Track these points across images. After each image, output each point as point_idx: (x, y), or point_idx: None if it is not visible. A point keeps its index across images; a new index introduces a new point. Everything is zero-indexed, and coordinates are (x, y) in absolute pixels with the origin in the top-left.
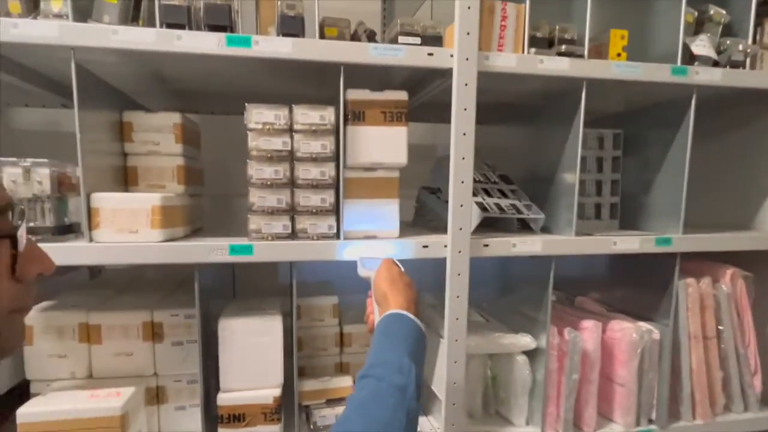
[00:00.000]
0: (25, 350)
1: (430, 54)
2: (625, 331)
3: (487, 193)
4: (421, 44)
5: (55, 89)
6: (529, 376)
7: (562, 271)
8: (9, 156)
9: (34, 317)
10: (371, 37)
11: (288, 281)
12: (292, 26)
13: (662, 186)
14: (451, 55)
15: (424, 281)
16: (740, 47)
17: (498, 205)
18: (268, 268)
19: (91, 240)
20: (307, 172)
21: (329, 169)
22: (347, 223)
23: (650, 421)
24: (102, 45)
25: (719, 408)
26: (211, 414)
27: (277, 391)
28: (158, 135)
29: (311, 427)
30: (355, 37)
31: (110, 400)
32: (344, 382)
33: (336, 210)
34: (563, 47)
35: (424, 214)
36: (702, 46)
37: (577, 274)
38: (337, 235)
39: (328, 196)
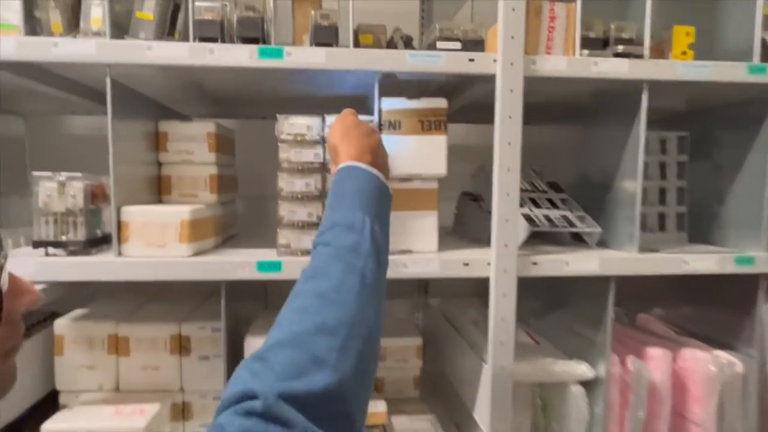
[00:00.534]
0: (55, 360)
1: (472, 60)
2: (700, 361)
3: (535, 203)
4: (461, 49)
5: (98, 99)
6: (587, 408)
7: (620, 282)
8: (59, 163)
9: (65, 326)
10: (408, 42)
11: None
12: (326, 36)
13: (738, 195)
14: (495, 61)
15: (464, 286)
16: None
17: (547, 217)
18: None
19: (119, 254)
20: None
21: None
22: None
23: None
24: (137, 61)
25: None
26: None
27: None
28: (192, 144)
29: None
30: (391, 44)
31: (134, 419)
32: (377, 406)
33: None
34: (620, 47)
35: (465, 222)
36: None
37: (638, 286)
38: None
39: None
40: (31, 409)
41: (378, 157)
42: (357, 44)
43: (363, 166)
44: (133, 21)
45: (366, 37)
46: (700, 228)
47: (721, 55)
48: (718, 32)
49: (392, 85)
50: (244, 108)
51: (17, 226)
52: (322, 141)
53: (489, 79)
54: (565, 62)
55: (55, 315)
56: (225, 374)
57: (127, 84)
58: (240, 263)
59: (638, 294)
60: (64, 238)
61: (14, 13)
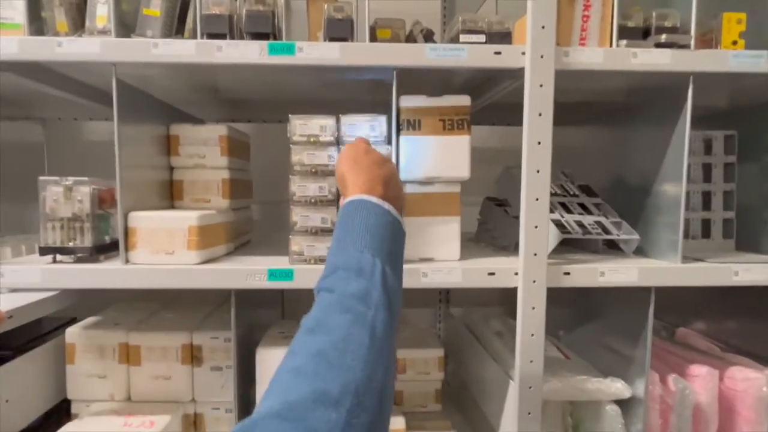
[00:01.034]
0: (66, 369)
1: (498, 53)
2: (752, 382)
3: (566, 208)
4: (486, 42)
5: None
6: (623, 430)
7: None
8: (77, 169)
9: (76, 334)
10: (429, 37)
11: None
12: (340, 30)
13: None
14: (523, 53)
15: (487, 294)
16: None
17: (580, 224)
18: None
19: (127, 261)
20: None
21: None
22: None
23: None
24: (142, 60)
25: None
26: None
27: None
28: (204, 148)
29: None
30: (410, 38)
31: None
32: (395, 422)
33: None
34: (662, 37)
35: (489, 229)
36: None
37: (674, 297)
38: None
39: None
40: (44, 417)
41: (390, 189)
42: (374, 40)
43: (373, 199)
44: (140, 19)
45: (384, 32)
46: (748, 235)
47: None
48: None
49: (411, 84)
50: (261, 111)
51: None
52: (337, 142)
53: (516, 74)
54: (601, 54)
55: (74, 321)
56: (235, 386)
57: (137, 86)
58: (250, 271)
59: (675, 306)
60: (71, 244)
61: (19, 13)
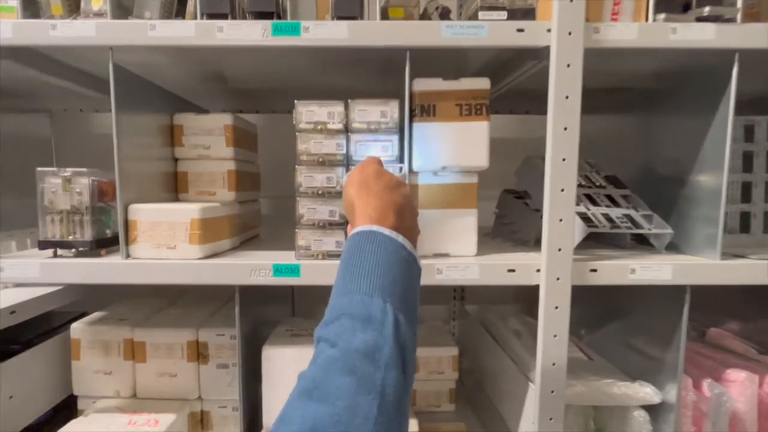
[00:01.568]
0: (72, 365)
1: (521, 30)
2: None
3: (592, 200)
4: (507, 19)
5: None
6: None
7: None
8: (85, 161)
9: (80, 330)
10: (444, 15)
11: None
12: (349, 8)
13: None
14: (549, 30)
15: (504, 291)
16: None
17: (607, 217)
18: None
19: (128, 256)
20: None
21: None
22: None
23: None
24: (140, 42)
25: None
26: None
27: None
28: (208, 138)
29: None
30: (424, 17)
31: (147, 431)
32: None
33: None
34: (706, 10)
35: (508, 223)
36: None
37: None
38: None
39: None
40: (53, 412)
41: (405, 218)
42: (386, 20)
43: (385, 231)
44: (138, 0)
45: (396, 11)
46: None
47: None
48: None
49: (425, 69)
50: (269, 102)
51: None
52: (346, 130)
53: (541, 54)
54: (636, 30)
55: (84, 316)
56: (240, 384)
57: (139, 73)
58: (255, 267)
59: (706, 304)
60: (70, 238)
61: None
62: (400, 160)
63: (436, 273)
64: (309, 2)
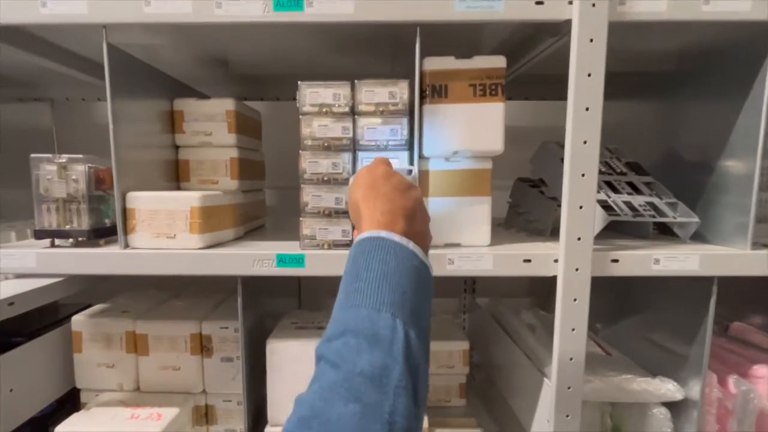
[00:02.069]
0: (74, 357)
1: (539, 2)
2: None
3: (612, 187)
4: None
5: None
6: None
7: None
8: (87, 150)
9: (82, 322)
10: None
11: None
12: None
13: None
14: (570, 2)
15: (515, 284)
16: None
17: (629, 205)
18: None
19: (126, 245)
20: None
21: (401, 161)
22: None
23: None
24: (134, 20)
25: None
26: None
27: None
28: (210, 124)
29: None
30: None
31: (149, 425)
32: None
33: None
34: None
35: (522, 212)
36: None
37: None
38: None
39: (399, 160)
40: (57, 404)
41: (415, 222)
42: None
43: (395, 237)
44: None
45: None
46: None
47: None
48: None
49: (436, 49)
50: (274, 88)
51: None
52: (352, 113)
53: (561, 29)
54: (665, 1)
55: (90, 307)
56: (243, 378)
57: (137, 56)
58: (257, 257)
59: (726, 297)
60: (67, 227)
61: None
62: (410, 145)
63: (447, 263)
64: None
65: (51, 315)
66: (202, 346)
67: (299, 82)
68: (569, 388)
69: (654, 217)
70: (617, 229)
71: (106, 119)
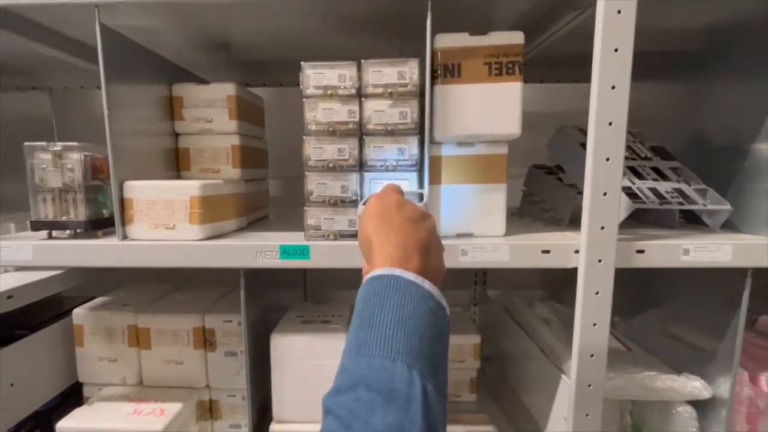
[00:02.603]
0: (76, 351)
1: None
2: None
3: (636, 173)
4: None
5: None
6: None
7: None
8: (86, 139)
9: (83, 316)
10: None
11: None
12: None
13: None
14: None
15: (528, 276)
16: None
17: (655, 192)
18: None
19: (124, 237)
20: (381, 150)
21: (410, 146)
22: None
23: None
24: None
25: None
26: None
27: None
28: (210, 110)
29: None
30: None
31: (151, 421)
32: None
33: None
34: None
35: (538, 201)
36: None
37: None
38: None
39: (409, 182)
40: (61, 398)
41: (430, 256)
42: None
43: (409, 275)
44: None
45: None
46: None
47: None
48: None
49: (449, 25)
50: (277, 74)
51: None
52: (359, 95)
53: (584, 1)
54: None
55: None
56: (247, 373)
57: (134, 39)
58: (260, 248)
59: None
60: (64, 218)
61: None
62: (420, 129)
63: (460, 255)
64: None
65: (55, 308)
66: (206, 340)
67: (302, 63)
68: (590, 386)
69: (682, 204)
70: (639, 218)
71: None
